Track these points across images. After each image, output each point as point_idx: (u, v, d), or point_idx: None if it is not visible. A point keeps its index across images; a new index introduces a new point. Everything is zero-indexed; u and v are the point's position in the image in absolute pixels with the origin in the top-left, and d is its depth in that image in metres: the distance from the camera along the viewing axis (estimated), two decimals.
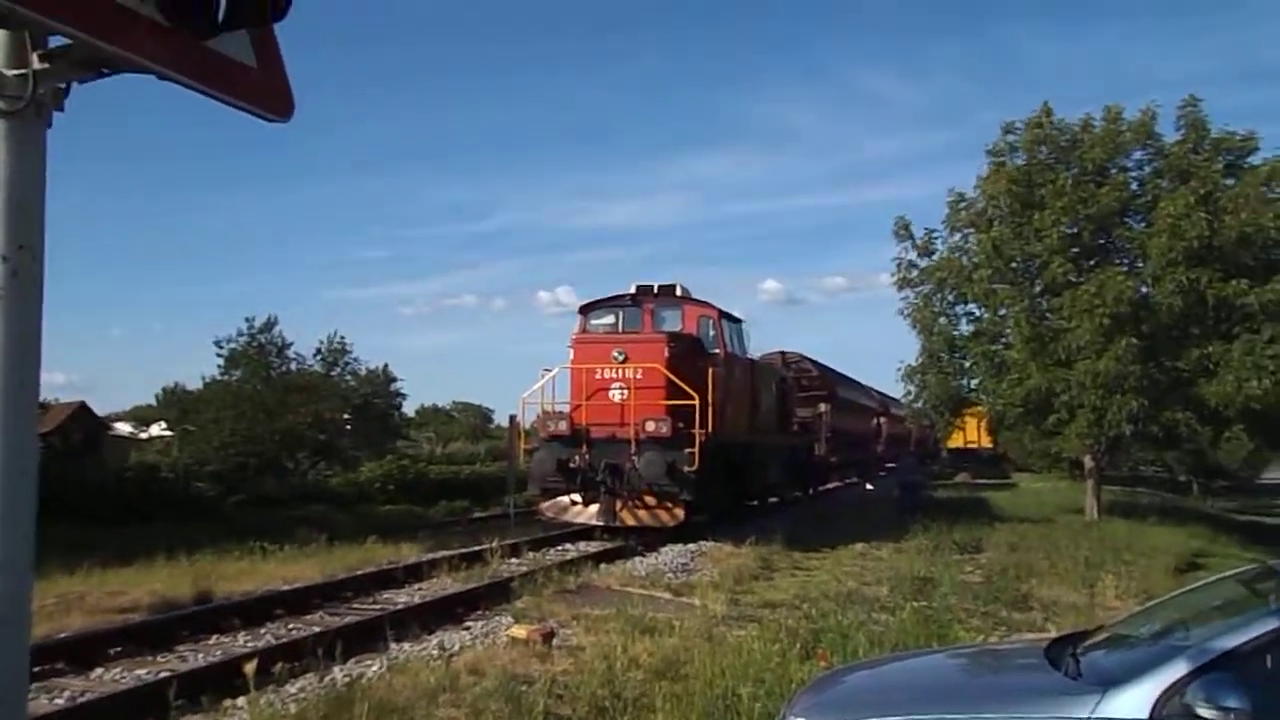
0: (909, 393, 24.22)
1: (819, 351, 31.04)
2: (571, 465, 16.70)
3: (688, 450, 16.22)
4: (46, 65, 2.26)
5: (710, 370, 17.26)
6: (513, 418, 19.72)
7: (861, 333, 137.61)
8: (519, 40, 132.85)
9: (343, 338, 34.06)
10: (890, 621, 9.68)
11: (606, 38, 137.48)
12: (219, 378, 31.64)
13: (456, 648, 8.83)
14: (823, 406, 28.87)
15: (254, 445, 28.89)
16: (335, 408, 32.51)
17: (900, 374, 23.85)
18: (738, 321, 20.14)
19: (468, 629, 9.84)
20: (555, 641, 9.05)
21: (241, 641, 9.22)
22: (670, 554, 15.61)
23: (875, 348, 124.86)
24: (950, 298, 23.05)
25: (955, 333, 23.34)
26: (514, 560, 14.36)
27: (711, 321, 18.87)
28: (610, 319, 18.61)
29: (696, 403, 16.34)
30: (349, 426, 34.70)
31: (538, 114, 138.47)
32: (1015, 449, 40.06)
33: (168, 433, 42.03)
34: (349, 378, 34.54)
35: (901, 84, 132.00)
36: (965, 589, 12.45)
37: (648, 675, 7.70)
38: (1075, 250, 21.92)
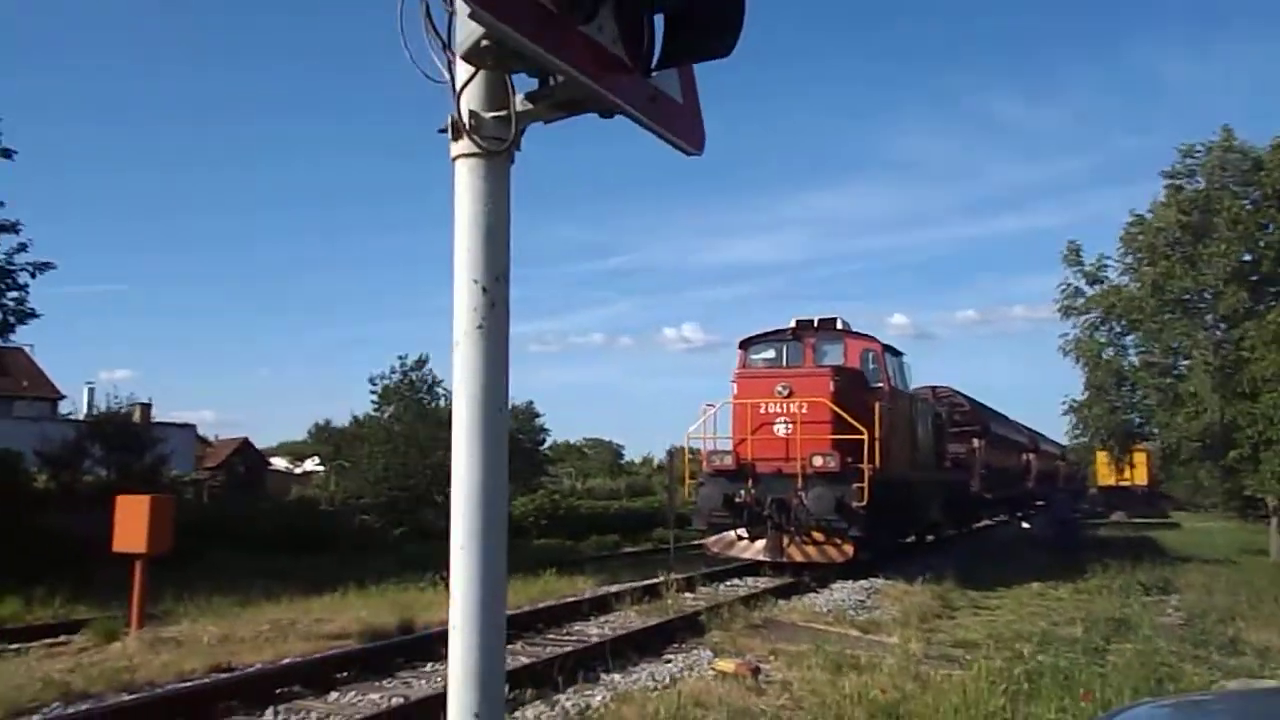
0: (1075, 426, 23.37)
1: (952, 385, 29.99)
2: (737, 500, 16.65)
3: (856, 485, 15.99)
4: (529, 106, 2.38)
5: (876, 404, 17.01)
6: (670, 453, 19.84)
7: (994, 366, 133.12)
8: None
9: None
10: (1107, 663, 9.30)
11: (726, 75, 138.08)
12: (373, 414, 32.74)
13: (667, 679, 8.85)
14: (976, 442, 28.07)
15: (407, 479, 29.73)
16: None
17: (1064, 408, 23.10)
18: (899, 355, 19.78)
19: (669, 661, 9.85)
20: (760, 676, 9.02)
21: None
22: (844, 591, 15.36)
23: (1009, 381, 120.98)
24: (1119, 327, 22.21)
25: (1125, 363, 22.44)
26: (688, 595, 14.34)
27: (874, 354, 18.60)
28: (771, 353, 18.51)
29: (865, 437, 16.09)
30: None
31: (659, 150, 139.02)
32: (1179, 487, 38.07)
33: (320, 468, 43.70)
34: None
35: (1030, 110, 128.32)
36: (1167, 631, 11.90)
37: (873, 711, 7.57)
38: (1255, 278, 20.90)
